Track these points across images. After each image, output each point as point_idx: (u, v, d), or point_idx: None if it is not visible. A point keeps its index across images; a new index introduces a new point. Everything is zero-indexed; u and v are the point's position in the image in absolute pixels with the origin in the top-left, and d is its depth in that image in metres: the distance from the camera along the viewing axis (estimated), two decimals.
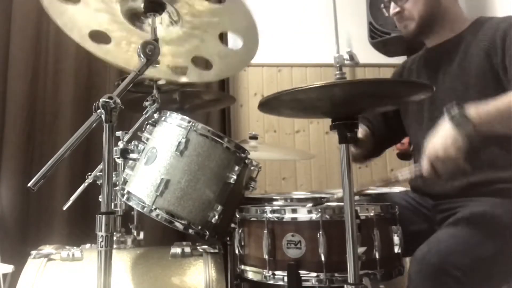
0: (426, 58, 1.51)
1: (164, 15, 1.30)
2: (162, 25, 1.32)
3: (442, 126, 1.18)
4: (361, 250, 1.05)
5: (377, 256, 1.16)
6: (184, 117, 1.35)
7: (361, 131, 1.54)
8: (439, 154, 1.15)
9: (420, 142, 1.48)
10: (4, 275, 1.89)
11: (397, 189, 1.64)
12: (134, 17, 1.32)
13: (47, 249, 1.45)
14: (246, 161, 1.36)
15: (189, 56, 1.42)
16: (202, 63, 1.57)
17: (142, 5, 1.27)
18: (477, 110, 1.16)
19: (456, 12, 1.44)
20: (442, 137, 1.16)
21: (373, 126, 1.60)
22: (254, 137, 1.98)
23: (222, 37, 1.33)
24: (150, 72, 1.42)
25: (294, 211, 1.21)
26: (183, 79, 1.53)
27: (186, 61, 1.45)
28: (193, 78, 1.55)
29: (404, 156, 2.23)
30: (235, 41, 1.33)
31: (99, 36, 1.37)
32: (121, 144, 1.45)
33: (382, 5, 1.50)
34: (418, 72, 1.52)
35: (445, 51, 1.43)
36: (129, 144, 1.46)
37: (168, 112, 1.39)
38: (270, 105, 1.13)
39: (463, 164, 1.15)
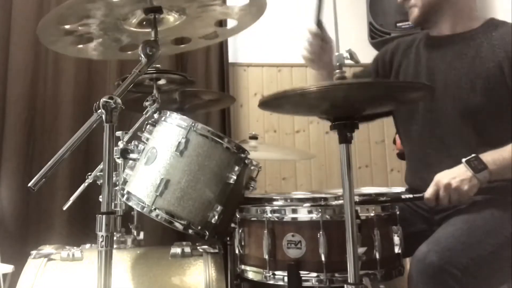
0: (428, 46, 1.49)
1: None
2: (171, 16, 1.34)
3: (457, 167, 1.21)
4: (361, 250, 1.05)
5: (377, 256, 1.16)
6: (184, 117, 1.35)
7: None
8: (452, 183, 1.18)
9: (411, 131, 1.48)
10: (4, 275, 1.89)
11: (397, 189, 1.64)
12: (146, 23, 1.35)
13: (47, 249, 1.45)
14: (246, 161, 1.36)
15: (211, 24, 1.46)
16: (225, 23, 1.67)
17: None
18: (492, 156, 1.20)
19: (468, 7, 1.43)
20: (457, 172, 1.20)
21: None
22: (254, 137, 1.98)
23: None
24: (186, 48, 1.64)
25: (294, 211, 1.21)
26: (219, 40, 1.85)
27: (211, 28, 1.48)
28: (225, 36, 1.92)
29: (404, 156, 2.23)
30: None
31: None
32: (121, 144, 1.46)
33: None
34: (417, 56, 1.50)
35: (453, 44, 1.42)
36: (129, 144, 1.46)
37: (168, 112, 1.39)
38: (270, 103, 1.13)
39: (466, 201, 1.20)
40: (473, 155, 1.20)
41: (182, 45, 1.62)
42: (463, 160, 1.20)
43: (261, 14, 1.40)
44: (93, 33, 1.35)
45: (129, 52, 1.53)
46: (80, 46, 1.43)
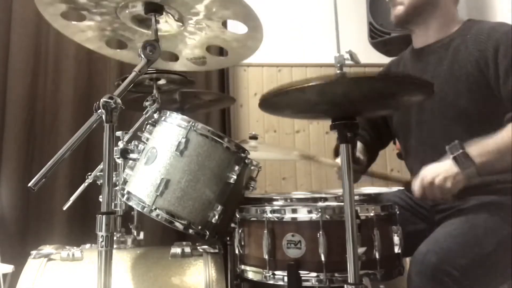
0: (413, 59, 1.50)
1: (168, 15, 1.31)
2: (169, 23, 1.34)
3: (444, 162, 1.19)
4: (361, 250, 1.05)
5: (377, 256, 1.15)
6: (184, 117, 1.35)
7: (358, 148, 1.55)
8: (435, 181, 1.17)
9: (408, 144, 1.49)
10: (4, 275, 1.89)
11: (397, 189, 1.64)
12: (142, 22, 1.34)
13: (47, 249, 1.45)
14: (246, 161, 1.36)
15: (203, 46, 1.46)
16: (217, 51, 1.64)
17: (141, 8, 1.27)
18: (478, 150, 1.17)
19: (450, 12, 1.43)
20: (443, 168, 1.18)
21: (364, 139, 1.61)
22: (254, 137, 1.97)
23: (226, 25, 1.38)
24: (172, 67, 1.57)
25: (294, 211, 1.21)
26: (204, 68, 1.68)
27: (202, 51, 1.47)
28: (212, 66, 1.75)
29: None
30: (235, 27, 1.36)
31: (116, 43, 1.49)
32: (121, 144, 1.45)
33: None
34: (404, 72, 1.51)
35: (434, 53, 1.42)
36: (129, 144, 1.46)
37: (168, 112, 1.39)
38: (270, 103, 1.13)
39: (452, 198, 1.18)
40: (460, 151, 1.17)
41: (169, 62, 1.57)
42: (451, 155, 1.17)
43: (254, 52, 1.43)
44: (87, 11, 1.31)
45: (122, 50, 1.51)
46: (74, 22, 1.39)
